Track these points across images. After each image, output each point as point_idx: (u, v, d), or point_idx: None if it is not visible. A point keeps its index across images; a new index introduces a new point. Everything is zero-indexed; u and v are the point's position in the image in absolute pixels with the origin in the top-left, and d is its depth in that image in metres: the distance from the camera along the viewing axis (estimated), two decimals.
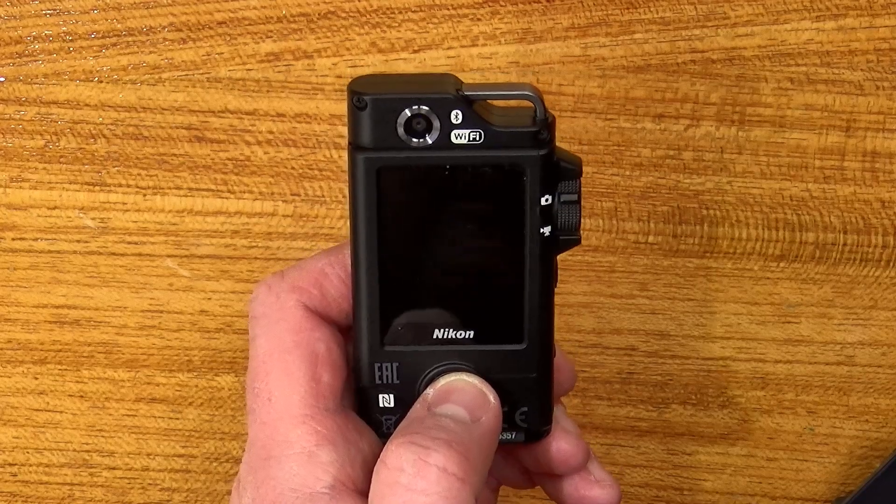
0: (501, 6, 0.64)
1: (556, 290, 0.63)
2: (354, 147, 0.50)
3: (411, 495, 0.47)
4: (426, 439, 0.48)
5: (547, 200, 0.50)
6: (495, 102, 0.50)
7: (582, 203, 0.51)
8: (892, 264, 0.67)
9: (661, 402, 0.68)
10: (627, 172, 0.66)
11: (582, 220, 0.51)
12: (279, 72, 0.65)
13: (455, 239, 0.51)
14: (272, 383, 0.51)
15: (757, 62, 0.65)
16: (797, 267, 0.67)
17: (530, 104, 0.50)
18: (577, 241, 0.52)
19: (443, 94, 0.49)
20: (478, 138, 0.49)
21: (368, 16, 0.64)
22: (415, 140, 0.49)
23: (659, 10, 0.64)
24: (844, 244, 0.66)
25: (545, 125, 0.50)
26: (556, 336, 0.67)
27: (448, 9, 0.64)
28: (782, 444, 0.68)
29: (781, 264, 0.67)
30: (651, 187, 0.66)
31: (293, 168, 0.66)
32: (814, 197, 0.66)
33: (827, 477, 0.69)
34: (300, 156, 0.66)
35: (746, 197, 0.66)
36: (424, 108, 0.49)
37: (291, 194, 0.66)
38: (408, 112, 0.49)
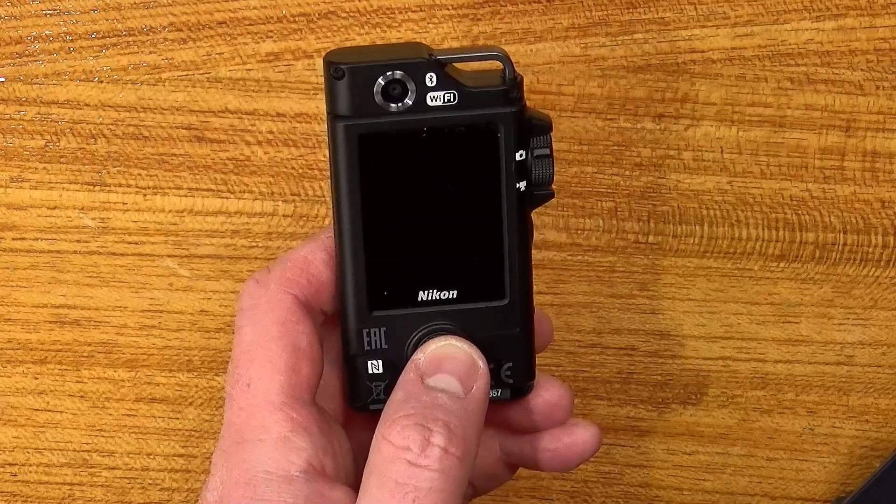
0: (501, 6, 0.64)
1: (555, 288, 0.64)
2: (333, 116, 0.52)
3: (414, 470, 0.49)
4: (429, 420, 0.50)
5: (521, 155, 0.53)
6: (465, 66, 0.52)
7: (554, 158, 0.53)
8: (892, 264, 0.67)
9: (661, 402, 0.68)
10: (627, 172, 0.66)
11: (555, 174, 0.53)
12: (279, 72, 0.65)
13: (435, 200, 0.53)
14: (253, 370, 0.52)
15: (757, 62, 0.65)
16: (797, 267, 0.67)
17: (499, 66, 0.52)
18: (551, 196, 0.54)
19: (416, 58, 0.51)
20: (452, 99, 0.52)
21: (368, 16, 0.64)
22: (392, 105, 0.51)
23: (659, 10, 0.64)
24: (844, 244, 0.66)
25: (515, 83, 0.52)
26: (556, 336, 0.67)
27: (448, 9, 0.64)
28: (782, 444, 0.68)
29: (781, 264, 0.67)
30: (651, 187, 0.66)
31: (293, 168, 0.66)
32: (814, 197, 0.66)
33: (827, 477, 0.69)
34: (300, 156, 0.66)
35: (746, 197, 0.66)
36: (399, 73, 0.51)
37: (291, 194, 0.66)
38: (384, 78, 0.51)
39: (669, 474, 0.69)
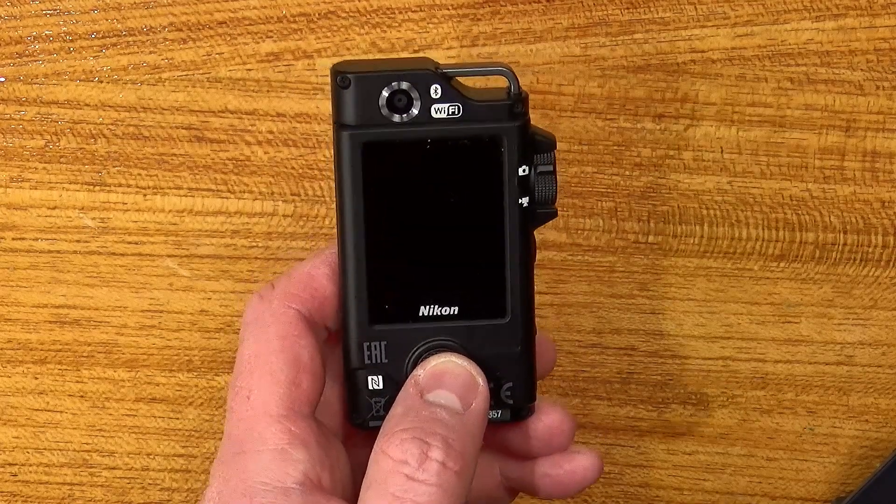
0: (501, 6, 0.64)
1: (555, 288, 0.63)
2: (339, 126, 0.52)
3: (412, 484, 0.49)
4: (427, 435, 0.50)
5: (524, 171, 0.53)
6: (471, 82, 0.53)
7: (557, 176, 0.53)
8: (892, 264, 0.67)
9: (661, 402, 0.68)
10: (627, 172, 0.66)
11: (558, 193, 0.53)
12: (279, 72, 0.65)
13: (438, 214, 0.53)
14: (254, 382, 0.52)
15: (757, 62, 0.65)
16: (797, 267, 0.67)
17: (504, 84, 0.52)
18: (554, 215, 0.54)
19: (422, 70, 0.52)
20: (457, 112, 0.52)
21: (368, 16, 0.64)
22: (397, 116, 0.52)
23: (659, 10, 0.64)
24: (844, 244, 0.66)
25: (520, 98, 0.52)
26: (556, 336, 0.67)
27: (448, 9, 0.64)
28: (782, 444, 0.68)
29: (781, 264, 0.67)
30: (651, 187, 0.66)
31: (293, 168, 0.66)
32: (814, 197, 0.66)
33: (827, 477, 0.69)
34: (300, 156, 0.66)
35: (746, 197, 0.66)
36: (405, 84, 0.52)
37: (291, 194, 0.66)
38: (390, 88, 0.52)
39: (669, 474, 0.69)
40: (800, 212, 0.66)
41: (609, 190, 0.66)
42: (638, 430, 0.68)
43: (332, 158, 0.53)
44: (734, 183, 0.66)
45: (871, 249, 0.67)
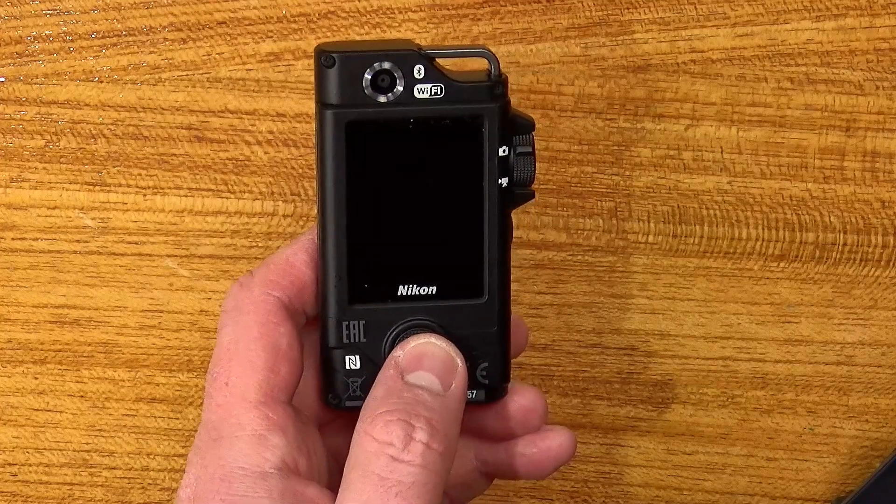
0: (501, 6, 0.64)
1: (555, 288, 0.63)
2: (322, 105, 0.52)
3: (397, 465, 0.50)
4: (412, 416, 0.50)
5: (504, 151, 0.53)
6: (454, 66, 0.53)
7: (536, 157, 0.54)
8: (892, 264, 0.67)
9: (661, 402, 0.68)
10: (627, 172, 0.66)
11: (536, 174, 0.54)
12: (279, 72, 0.65)
13: (419, 194, 0.53)
14: (232, 369, 0.53)
15: (757, 62, 0.65)
16: (797, 267, 0.67)
17: (484, 67, 0.53)
18: (531, 196, 0.54)
19: (406, 50, 0.52)
20: (439, 92, 0.52)
21: (368, 16, 0.64)
22: (381, 96, 0.52)
23: (659, 10, 0.64)
24: (844, 244, 0.66)
25: (500, 80, 0.53)
26: (556, 336, 0.67)
27: (448, 9, 0.64)
28: (782, 444, 0.68)
29: (781, 264, 0.67)
30: (651, 187, 0.66)
31: (293, 168, 0.66)
32: (814, 197, 0.66)
33: (827, 477, 0.69)
34: (300, 156, 0.66)
35: (746, 197, 0.66)
36: (388, 64, 0.52)
37: (291, 194, 0.66)
38: (374, 68, 0.52)
39: (669, 474, 0.69)
40: (800, 212, 0.66)
41: (609, 190, 0.66)
42: (638, 430, 0.68)
43: (314, 139, 0.53)
44: (734, 183, 0.66)
45: (871, 249, 0.67)
